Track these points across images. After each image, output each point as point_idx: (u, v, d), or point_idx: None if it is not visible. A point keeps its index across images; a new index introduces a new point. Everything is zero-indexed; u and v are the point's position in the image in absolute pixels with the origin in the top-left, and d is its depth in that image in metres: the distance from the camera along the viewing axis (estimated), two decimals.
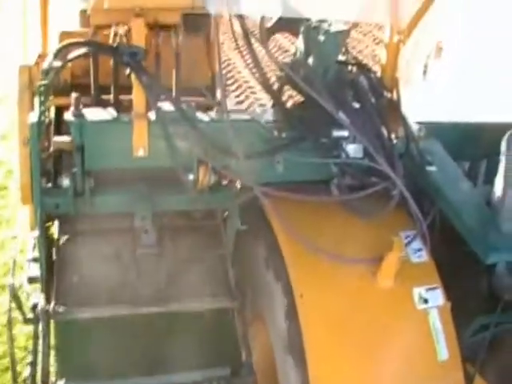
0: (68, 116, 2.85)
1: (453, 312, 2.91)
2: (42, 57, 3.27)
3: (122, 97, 3.10)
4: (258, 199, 2.94)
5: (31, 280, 3.27)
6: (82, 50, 2.88)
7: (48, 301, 2.94)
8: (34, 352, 3.09)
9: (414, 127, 3.30)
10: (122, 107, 3.02)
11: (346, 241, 2.97)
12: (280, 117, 3.16)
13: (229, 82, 8.87)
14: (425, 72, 3.96)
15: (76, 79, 3.26)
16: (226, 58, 9.15)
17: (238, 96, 8.74)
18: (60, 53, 2.83)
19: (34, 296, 3.12)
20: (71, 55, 2.86)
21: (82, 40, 2.88)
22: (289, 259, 2.86)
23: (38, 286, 3.18)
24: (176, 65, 3.06)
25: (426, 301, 2.88)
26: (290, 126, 3.09)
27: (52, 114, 3.23)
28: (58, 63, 2.80)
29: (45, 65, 2.81)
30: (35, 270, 3.24)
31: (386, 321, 2.87)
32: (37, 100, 2.79)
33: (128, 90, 2.89)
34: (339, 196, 3.04)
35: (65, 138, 2.88)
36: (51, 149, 2.94)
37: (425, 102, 3.74)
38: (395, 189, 2.95)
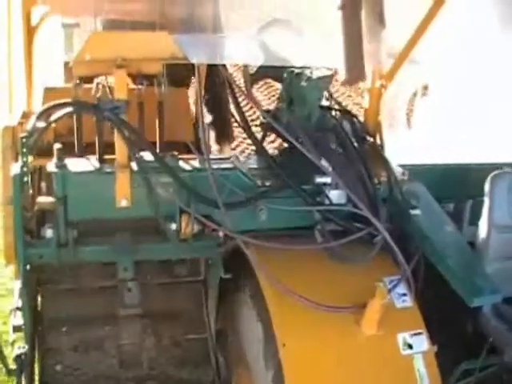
0: (51, 167, 2.87)
1: (438, 356, 2.90)
2: (26, 115, 3.29)
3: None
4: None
5: (16, 329, 3.27)
6: (65, 111, 2.89)
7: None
8: None
9: (398, 171, 3.31)
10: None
11: (330, 288, 2.96)
12: (263, 164, 3.18)
13: None
14: (409, 115, 3.99)
15: (61, 138, 3.27)
16: None
17: None
18: (43, 114, 2.86)
19: (17, 347, 3.12)
20: (54, 116, 2.88)
21: (63, 101, 2.90)
22: (272, 308, 2.85)
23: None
24: (159, 114, 3.09)
25: (410, 346, 2.87)
26: (272, 173, 3.11)
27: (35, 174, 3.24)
28: (41, 124, 2.83)
29: (28, 127, 2.83)
30: (20, 319, 3.24)
31: (371, 367, 2.85)
32: (19, 157, 2.81)
33: (112, 147, 2.91)
34: (322, 243, 3.05)
35: (48, 199, 2.90)
36: (35, 208, 2.94)
37: (409, 144, 3.76)
38: (379, 234, 2.96)
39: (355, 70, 2.79)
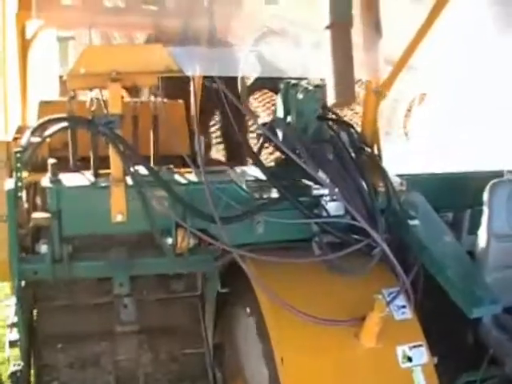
0: (45, 182, 2.85)
1: (438, 368, 2.88)
2: (20, 130, 3.27)
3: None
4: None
5: (12, 344, 3.25)
6: (59, 126, 2.87)
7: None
8: None
9: (396, 181, 3.29)
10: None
11: (329, 301, 2.93)
12: (259, 176, 3.15)
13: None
14: (406, 122, 3.97)
15: (55, 152, 3.25)
16: None
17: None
18: (38, 129, 2.84)
19: (13, 363, 3.10)
20: (48, 131, 2.86)
21: (58, 116, 2.89)
22: (270, 322, 2.83)
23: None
24: (153, 127, 3.07)
25: (410, 359, 2.85)
26: (269, 185, 3.09)
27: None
28: (35, 139, 2.81)
29: (22, 142, 2.82)
30: (16, 334, 3.22)
31: (370, 381, 2.83)
32: (14, 173, 2.79)
33: (107, 161, 2.89)
34: (320, 256, 3.02)
35: (43, 214, 2.88)
36: (30, 224, 2.92)
37: (407, 153, 3.74)
38: (377, 245, 2.94)
39: (344, 92, 2.63)
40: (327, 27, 2.66)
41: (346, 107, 3.19)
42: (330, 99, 2.65)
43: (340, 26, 2.67)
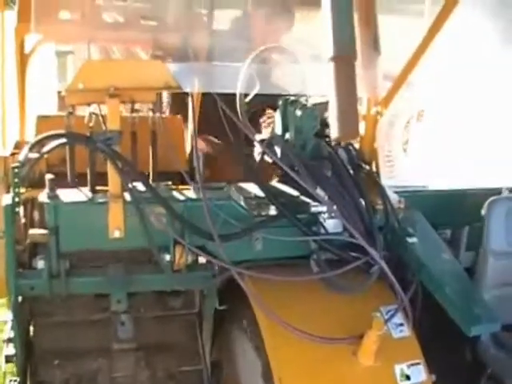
0: (42, 198, 2.84)
1: None
2: (19, 145, 3.26)
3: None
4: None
5: (8, 359, 3.23)
6: (58, 142, 2.86)
7: None
8: None
9: (394, 198, 3.28)
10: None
11: (327, 319, 2.92)
12: (257, 193, 3.15)
13: None
14: (404, 141, 3.96)
15: (53, 168, 3.24)
16: None
17: None
18: (36, 145, 2.83)
19: (9, 379, 3.08)
20: (46, 148, 2.85)
21: (56, 132, 2.88)
22: (268, 340, 2.81)
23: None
24: (152, 143, 3.06)
25: (408, 377, 2.83)
26: (267, 202, 3.07)
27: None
28: (33, 155, 2.80)
29: (20, 157, 2.81)
30: (12, 349, 3.20)
31: None
32: (11, 188, 2.79)
33: (105, 177, 2.88)
34: (318, 273, 3.01)
35: (40, 231, 2.87)
36: (27, 241, 2.90)
37: (405, 170, 3.73)
38: (375, 263, 2.93)
39: (348, 125, 2.55)
40: (330, 59, 2.60)
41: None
42: (333, 133, 2.61)
43: (343, 58, 2.61)
